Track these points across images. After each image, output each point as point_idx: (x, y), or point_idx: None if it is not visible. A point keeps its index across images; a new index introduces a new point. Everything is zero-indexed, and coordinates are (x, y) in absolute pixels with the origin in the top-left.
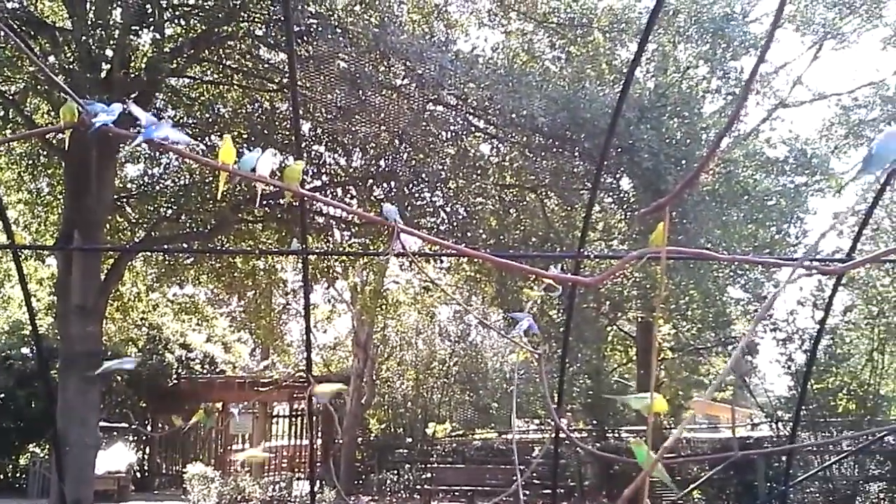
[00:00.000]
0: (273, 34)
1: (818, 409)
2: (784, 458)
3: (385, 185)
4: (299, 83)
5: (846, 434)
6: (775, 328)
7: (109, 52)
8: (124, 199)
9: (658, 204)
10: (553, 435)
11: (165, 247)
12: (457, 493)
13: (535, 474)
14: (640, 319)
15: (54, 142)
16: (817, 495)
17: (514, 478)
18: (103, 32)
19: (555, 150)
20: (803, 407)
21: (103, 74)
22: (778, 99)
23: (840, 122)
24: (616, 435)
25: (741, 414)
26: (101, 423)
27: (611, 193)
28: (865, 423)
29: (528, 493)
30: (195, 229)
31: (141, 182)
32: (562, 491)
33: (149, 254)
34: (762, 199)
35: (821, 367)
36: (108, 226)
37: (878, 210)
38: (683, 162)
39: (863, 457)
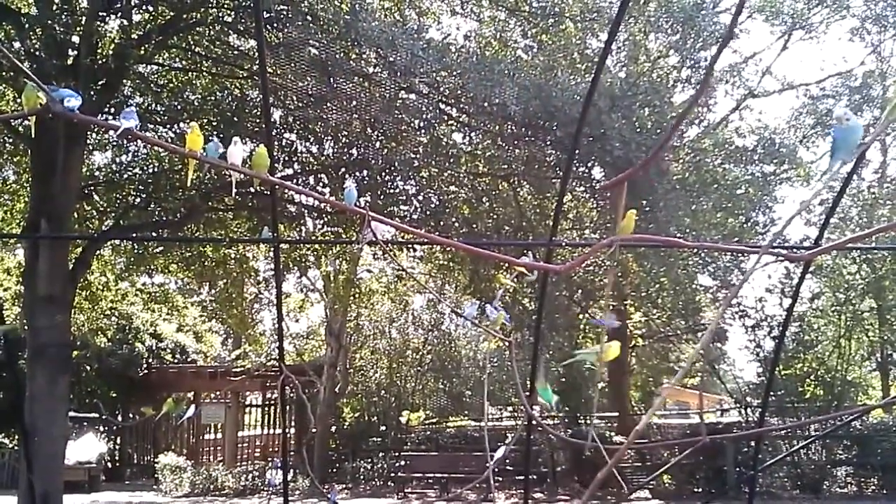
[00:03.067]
0: (242, 20)
1: (786, 394)
2: (752, 443)
3: (357, 173)
4: (269, 70)
5: (813, 419)
6: (744, 315)
7: (76, 39)
8: (92, 187)
9: (617, 179)
10: (525, 422)
11: (134, 235)
12: (430, 481)
13: (508, 461)
14: (611, 307)
15: (20, 129)
16: (785, 480)
17: (487, 465)
18: (70, 18)
19: (527, 138)
20: (772, 393)
21: (70, 61)
22: (747, 89)
23: (808, 111)
24: (588, 421)
25: (711, 400)
26: (71, 414)
27: (582, 182)
28: (833, 409)
29: (501, 479)
30: (164, 218)
31: (109, 170)
32: (534, 477)
33: (117, 242)
34: (731, 188)
35: (789, 353)
36: (75, 214)
37: (845, 199)
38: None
39: (830, 441)
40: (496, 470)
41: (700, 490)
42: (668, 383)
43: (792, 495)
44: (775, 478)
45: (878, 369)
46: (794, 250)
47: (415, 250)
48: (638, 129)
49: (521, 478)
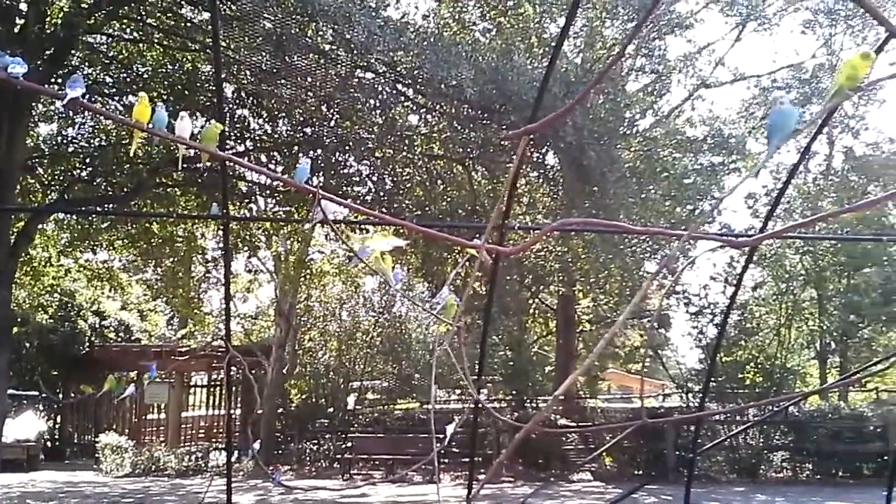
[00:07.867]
0: None
1: (727, 380)
2: (692, 428)
3: (311, 152)
4: (222, 44)
5: (752, 404)
6: (688, 302)
7: (24, 6)
8: (37, 160)
9: (525, 129)
10: (472, 405)
11: (79, 209)
12: (377, 462)
13: (454, 443)
14: (560, 292)
15: None
16: (723, 464)
17: (434, 447)
18: None
19: (482, 122)
20: (712, 379)
21: (17, 29)
22: (700, 79)
23: (759, 102)
24: (534, 405)
25: (654, 385)
26: (10, 391)
27: (536, 167)
28: (771, 395)
29: (446, 461)
30: (111, 192)
31: (54, 142)
32: (479, 459)
33: (61, 217)
34: (680, 178)
35: (730, 340)
36: (18, 187)
37: (791, 190)
38: (606, 138)
39: (767, 427)
40: (442, 452)
41: (640, 472)
42: (613, 367)
43: (729, 479)
44: (713, 462)
45: (817, 357)
46: (738, 237)
47: (367, 232)
48: (591, 116)
49: (467, 460)
